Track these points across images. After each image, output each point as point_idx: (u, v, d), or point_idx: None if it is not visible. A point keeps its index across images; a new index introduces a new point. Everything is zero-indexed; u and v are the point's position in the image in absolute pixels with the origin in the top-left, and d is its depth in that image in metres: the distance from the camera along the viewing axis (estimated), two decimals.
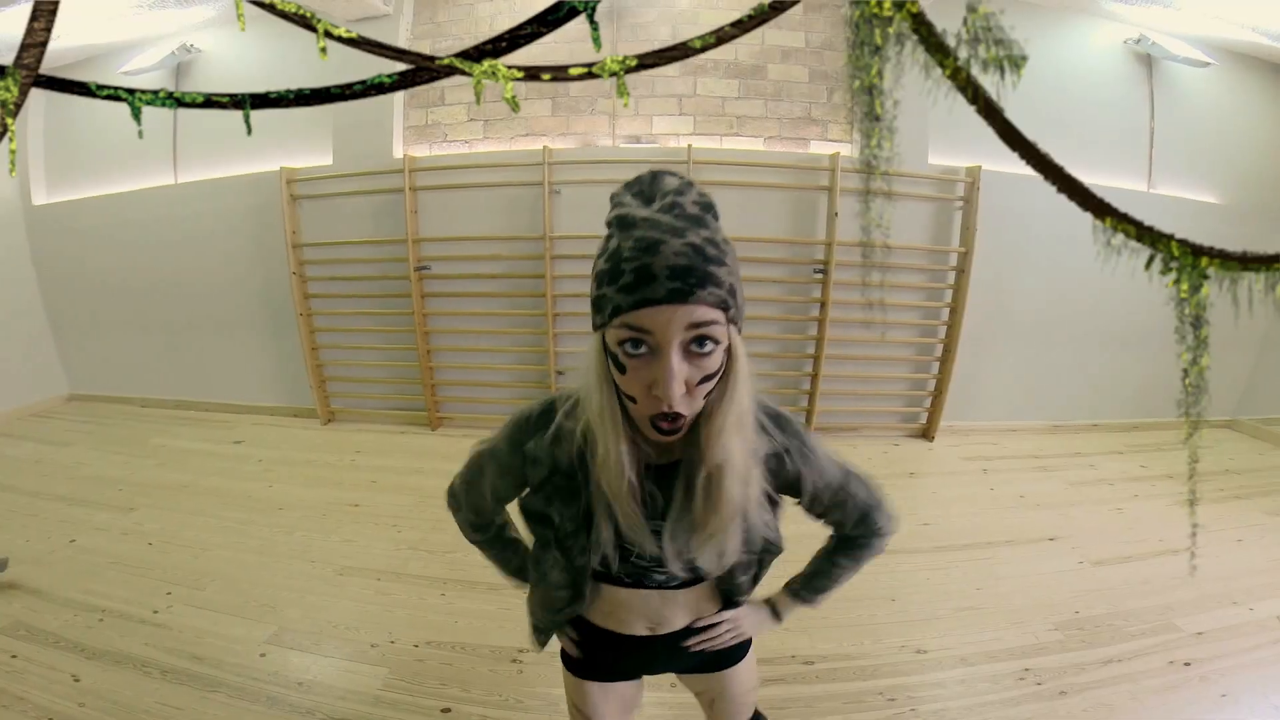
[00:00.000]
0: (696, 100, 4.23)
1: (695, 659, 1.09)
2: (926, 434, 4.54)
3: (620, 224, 0.71)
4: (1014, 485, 3.71)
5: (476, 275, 4.42)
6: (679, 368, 0.67)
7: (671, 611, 1.00)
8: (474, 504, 1.04)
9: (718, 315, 0.67)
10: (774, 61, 4.20)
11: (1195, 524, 1.17)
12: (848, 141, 4.24)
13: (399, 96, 4.36)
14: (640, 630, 1.01)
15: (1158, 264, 1.01)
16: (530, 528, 0.99)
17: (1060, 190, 1.05)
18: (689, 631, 1.03)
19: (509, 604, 2.43)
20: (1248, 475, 3.97)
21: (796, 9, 4.11)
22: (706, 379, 0.70)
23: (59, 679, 2.04)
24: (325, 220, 4.53)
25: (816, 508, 0.97)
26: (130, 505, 3.41)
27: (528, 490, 0.95)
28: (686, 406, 0.71)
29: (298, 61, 4.18)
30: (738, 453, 0.76)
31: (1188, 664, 2.14)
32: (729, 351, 0.72)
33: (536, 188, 4.18)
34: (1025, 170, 3.96)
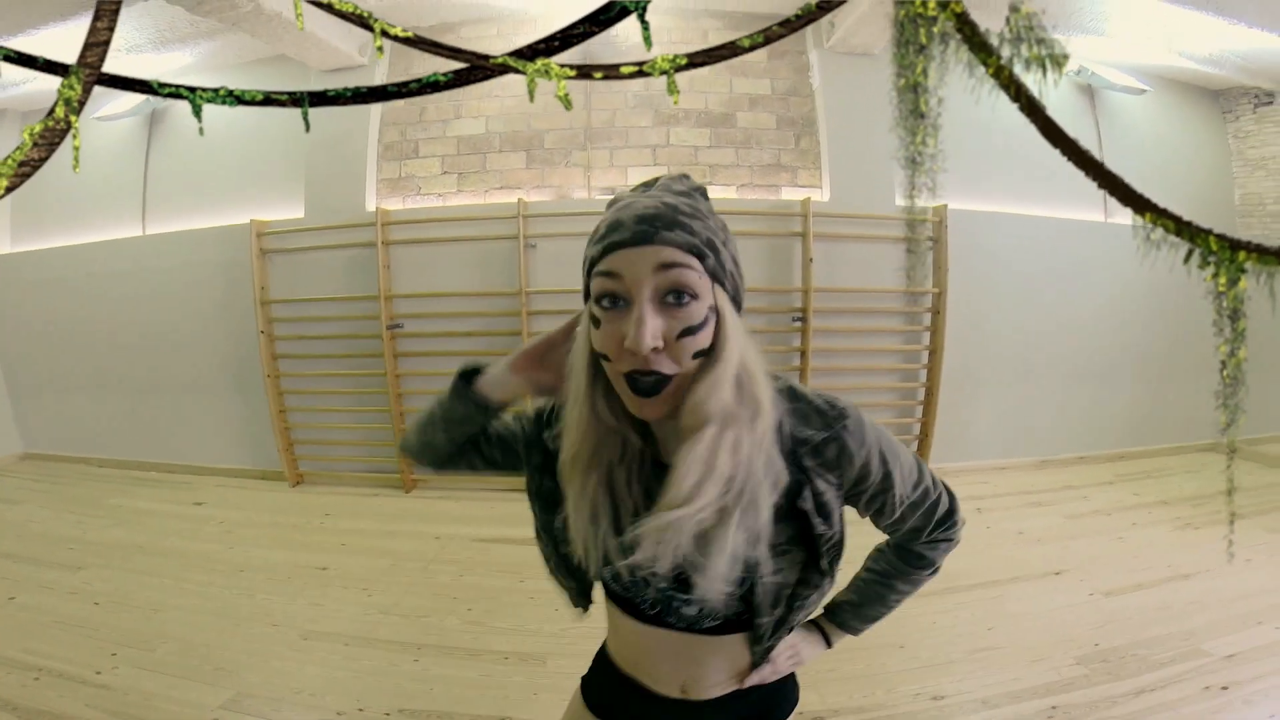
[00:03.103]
0: (670, 150, 4.30)
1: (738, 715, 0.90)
2: None
3: (609, 206, 0.73)
4: (1011, 522, 3.66)
5: (451, 333, 4.33)
6: (650, 317, 0.64)
7: (704, 668, 0.84)
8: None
9: (689, 260, 0.65)
10: (742, 109, 4.31)
11: (1233, 513, 1.14)
12: (818, 187, 4.32)
13: (373, 149, 4.39)
14: (672, 691, 0.86)
15: (1196, 258, 1.01)
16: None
17: (1101, 186, 1.09)
18: (734, 699, 0.87)
19: (489, 670, 2.29)
20: (1242, 495, 3.89)
21: (759, 56, 4.24)
22: (688, 333, 0.65)
23: None
24: (295, 276, 4.45)
25: (874, 506, 0.79)
26: (79, 564, 3.23)
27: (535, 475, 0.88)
28: (665, 363, 0.65)
29: (273, 109, 4.17)
30: (724, 410, 0.64)
31: (1225, 688, 2.06)
32: (717, 315, 0.67)
33: (512, 242, 4.16)
34: (989, 206, 4.07)
